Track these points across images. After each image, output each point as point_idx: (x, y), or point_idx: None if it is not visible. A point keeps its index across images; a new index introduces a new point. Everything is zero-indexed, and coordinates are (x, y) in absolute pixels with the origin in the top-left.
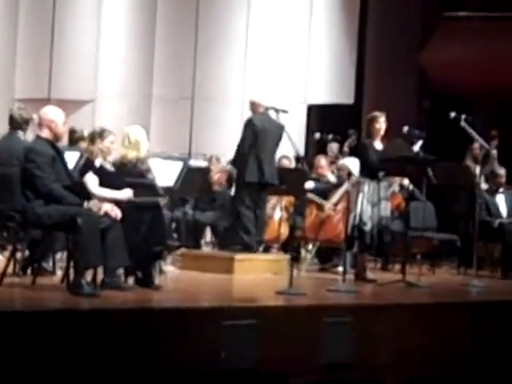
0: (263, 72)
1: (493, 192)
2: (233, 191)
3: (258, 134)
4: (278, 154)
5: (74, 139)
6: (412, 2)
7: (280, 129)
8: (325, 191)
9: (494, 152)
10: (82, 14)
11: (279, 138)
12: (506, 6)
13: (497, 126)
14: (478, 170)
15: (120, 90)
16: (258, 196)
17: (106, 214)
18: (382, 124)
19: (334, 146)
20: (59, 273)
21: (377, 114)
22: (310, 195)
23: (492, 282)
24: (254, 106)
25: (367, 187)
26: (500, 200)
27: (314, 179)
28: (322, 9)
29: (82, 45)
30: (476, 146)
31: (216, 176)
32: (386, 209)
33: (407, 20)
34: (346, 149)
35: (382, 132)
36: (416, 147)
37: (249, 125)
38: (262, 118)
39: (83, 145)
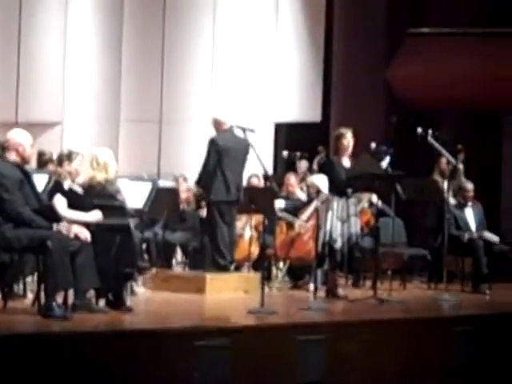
0: (230, 91)
1: (461, 206)
2: (204, 211)
3: (222, 153)
4: (247, 172)
5: (43, 162)
6: (377, 19)
7: (246, 146)
8: (295, 209)
9: (461, 166)
10: (49, 37)
11: (245, 155)
12: (470, 22)
13: (463, 140)
14: (445, 184)
15: (87, 113)
16: (227, 214)
17: (76, 237)
18: (349, 140)
19: (302, 164)
20: (30, 296)
21: (343, 130)
22: (281, 214)
23: (463, 296)
24: (217, 124)
25: (336, 204)
26: (468, 214)
27: (283, 197)
28: (288, 27)
29: (49, 68)
30: (443, 160)
31: (183, 196)
32: (355, 225)
33: (373, 36)
34: (315, 166)
35: (350, 148)
36: (384, 163)
37: (212, 144)
38: (225, 136)
39: (51, 167)
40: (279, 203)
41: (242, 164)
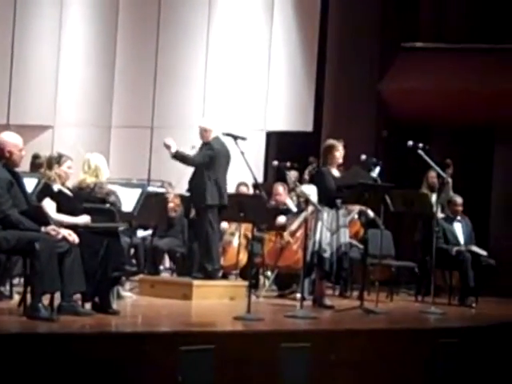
0: (222, 99)
1: (450, 220)
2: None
3: (215, 158)
4: (236, 180)
5: (37, 164)
6: (371, 32)
7: (228, 153)
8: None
9: (449, 180)
10: (42, 41)
11: (228, 162)
12: (462, 37)
13: (454, 154)
14: (434, 197)
15: (79, 117)
16: (217, 219)
17: (64, 239)
18: (341, 152)
19: (292, 174)
20: (16, 297)
21: (335, 142)
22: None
23: (449, 309)
24: (203, 132)
25: (326, 215)
26: (457, 228)
27: (273, 208)
28: (282, 36)
29: (42, 71)
30: (432, 174)
31: (171, 202)
32: (344, 236)
33: (366, 49)
34: (306, 176)
35: (340, 160)
36: (374, 174)
37: (207, 148)
38: (216, 142)
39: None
40: (281, 219)
41: (227, 170)
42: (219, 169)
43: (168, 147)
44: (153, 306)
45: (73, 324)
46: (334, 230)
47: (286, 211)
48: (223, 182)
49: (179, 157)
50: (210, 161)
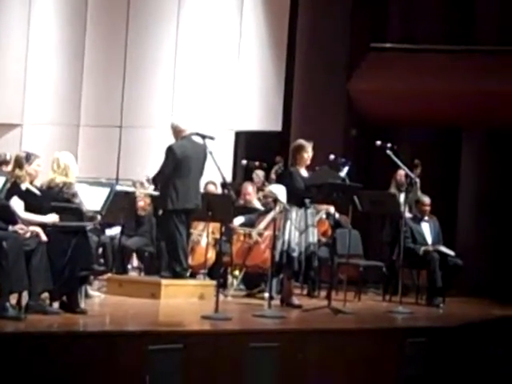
0: (191, 98)
1: (418, 220)
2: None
3: (181, 162)
4: (205, 179)
5: None
6: (340, 32)
7: (204, 153)
8: (253, 221)
9: (417, 180)
10: (10, 39)
11: (203, 163)
12: (430, 38)
13: (422, 154)
14: (402, 197)
15: (48, 116)
16: (184, 222)
17: (34, 234)
18: (309, 154)
19: (259, 173)
20: None
21: (305, 143)
22: (237, 228)
23: (417, 309)
24: (175, 130)
25: (295, 214)
26: (425, 228)
27: (241, 207)
28: (251, 36)
29: (10, 70)
30: (401, 174)
31: (140, 201)
32: (313, 235)
33: (335, 49)
34: (272, 176)
35: (308, 162)
36: (342, 174)
37: (169, 153)
38: (184, 143)
39: (5, 168)
40: (238, 220)
41: (200, 171)
42: (187, 171)
43: None
44: (121, 306)
45: (40, 323)
46: (302, 229)
47: (254, 210)
48: (192, 184)
49: (154, 179)
50: (172, 167)
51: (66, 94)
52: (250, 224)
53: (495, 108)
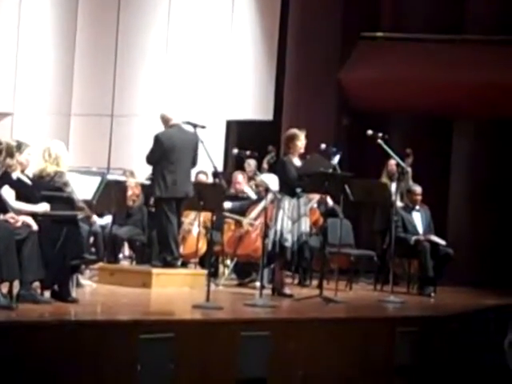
0: (183, 87)
1: (409, 209)
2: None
3: (168, 150)
4: (196, 169)
5: None
6: (332, 21)
7: (195, 141)
8: (243, 208)
9: (409, 170)
10: (1, 28)
11: (194, 151)
12: (421, 27)
13: (413, 144)
14: (393, 187)
15: (39, 105)
16: (175, 210)
17: (25, 224)
18: (303, 142)
19: (251, 163)
20: None
21: (297, 131)
22: (227, 214)
23: (408, 298)
24: (164, 119)
25: (288, 204)
26: (416, 217)
27: (232, 196)
28: (243, 26)
29: (1, 59)
30: (392, 163)
31: (131, 191)
32: (305, 225)
33: (327, 38)
34: (264, 165)
35: (302, 150)
36: (334, 161)
37: (156, 142)
38: (171, 132)
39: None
40: (226, 204)
41: (192, 160)
42: (176, 160)
43: None
44: (112, 295)
45: (31, 312)
46: (295, 218)
47: (246, 199)
48: (181, 172)
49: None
50: (159, 155)
51: (57, 83)
52: (240, 211)
53: (487, 97)
